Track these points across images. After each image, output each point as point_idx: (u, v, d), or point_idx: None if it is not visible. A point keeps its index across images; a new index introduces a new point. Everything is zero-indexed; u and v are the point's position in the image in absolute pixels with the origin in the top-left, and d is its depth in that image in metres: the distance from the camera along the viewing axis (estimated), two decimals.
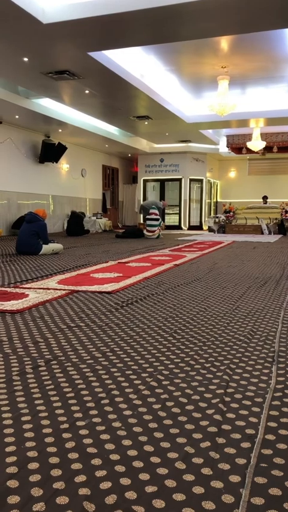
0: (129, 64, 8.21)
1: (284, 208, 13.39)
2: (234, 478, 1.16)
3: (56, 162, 12.87)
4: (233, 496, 1.08)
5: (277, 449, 1.30)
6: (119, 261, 6.00)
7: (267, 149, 14.12)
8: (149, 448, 1.30)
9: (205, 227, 16.50)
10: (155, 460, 1.24)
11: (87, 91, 9.05)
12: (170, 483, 1.13)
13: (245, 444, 1.32)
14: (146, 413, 1.53)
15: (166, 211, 16.72)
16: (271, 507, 1.04)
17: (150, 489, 1.11)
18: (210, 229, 14.46)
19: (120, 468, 1.20)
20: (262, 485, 1.13)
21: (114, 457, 1.25)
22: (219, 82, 9.12)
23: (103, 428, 1.42)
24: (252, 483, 1.14)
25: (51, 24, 5.70)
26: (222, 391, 1.71)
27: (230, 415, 1.52)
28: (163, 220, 12.32)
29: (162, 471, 1.19)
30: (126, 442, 1.33)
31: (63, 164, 13.62)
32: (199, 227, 16.95)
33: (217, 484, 1.13)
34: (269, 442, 1.34)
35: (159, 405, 1.58)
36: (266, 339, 2.42)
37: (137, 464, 1.22)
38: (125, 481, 1.14)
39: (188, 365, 2.01)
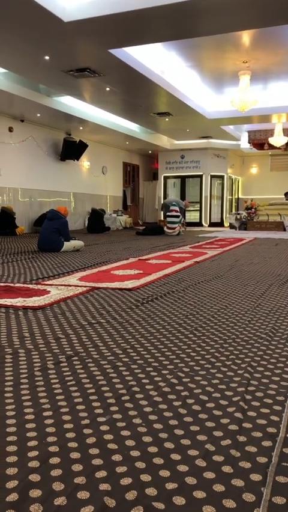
0: (149, 61, 8.19)
1: None
2: (255, 477, 1.15)
3: (77, 160, 12.95)
4: (254, 495, 1.07)
5: None
6: (140, 258, 6.00)
7: None
8: (169, 445, 1.30)
9: (226, 224, 16.37)
10: (175, 457, 1.24)
11: (107, 88, 9.07)
12: (191, 480, 1.13)
13: (266, 443, 1.31)
14: (167, 410, 1.53)
15: (187, 208, 16.65)
16: None
17: (170, 486, 1.11)
18: (231, 226, 14.35)
19: (140, 464, 1.20)
20: (284, 485, 1.11)
21: (135, 453, 1.26)
22: (240, 77, 9.03)
23: (124, 424, 1.42)
24: (274, 482, 1.13)
25: (72, 22, 5.73)
26: (243, 389, 1.70)
27: (251, 413, 1.50)
28: (184, 217, 12.27)
29: (183, 468, 1.19)
30: (147, 439, 1.33)
31: (84, 162, 13.70)
32: (220, 224, 16.84)
33: (238, 483, 1.12)
34: None
35: (180, 403, 1.58)
36: None
37: (158, 460, 1.22)
38: (145, 478, 1.14)
39: (209, 363, 2.00)
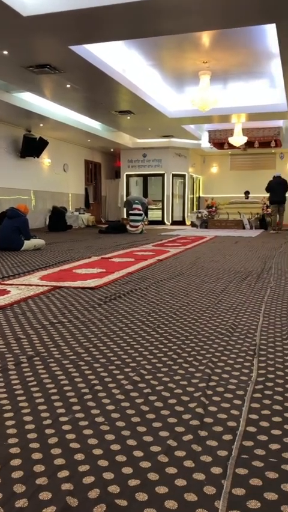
0: (111, 58, 8.16)
1: (265, 203, 13.52)
2: (216, 470, 1.17)
3: (38, 157, 12.74)
4: (214, 488, 1.10)
5: (258, 441, 1.32)
6: (102, 256, 5.98)
7: (249, 144, 14.20)
8: (132, 442, 1.31)
9: (188, 222, 16.55)
10: (137, 453, 1.25)
11: (68, 85, 8.97)
12: (153, 476, 1.14)
13: (227, 437, 1.34)
14: (129, 407, 1.54)
15: (149, 206, 16.72)
16: (252, 497, 1.06)
17: (133, 482, 1.12)
18: (193, 224, 14.52)
19: (103, 462, 1.20)
20: (243, 476, 1.14)
21: (97, 451, 1.26)
22: (200, 77, 9.14)
23: (86, 423, 1.42)
24: (234, 474, 1.15)
25: (32, 17, 5.63)
26: (205, 384, 1.73)
27: (212, 408, 1.53)
28: (146, 215, 12.33)
29: (145, 464, 1.20)
30: (109, 437, 1.34)
31: (45, 159, 13.49)
32: (182, 222, 17.00)
33: (199, 476, 1.14)
34: (250, 434, 1.36)
35: (142, 400, 1.59)
36: (248, 332, 2.45)
37: (120, 458, 1.23)
38: (108, 475, 1.15)
39: (171, 359, 2.02)
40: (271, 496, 1.07)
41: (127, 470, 1.17)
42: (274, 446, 1.29)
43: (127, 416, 1.47)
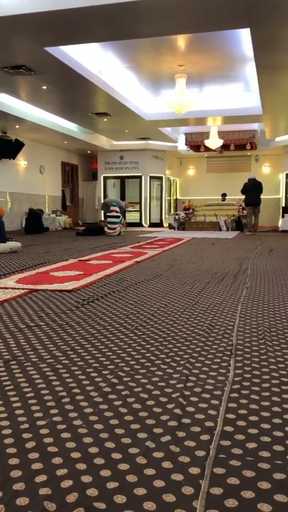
0: (87, 61, 8.15)
1: (241, 205, 13.69)
2: (194, 470, 1.18)
3: (13, 159, 12.60)
4: (192, 488, 1.10)
5: (235, 440, 1.33)
6: (80, 258, 5.96)
7: (225, 147, 14.37)
8: (110, 445, 1.30)
9: (165, 224, 16.62)
10: (116, 456, 1.25)
11: (44, 87, 8.91)
12: (132, 478, 1.14)
13: (205, 437, 1.35)
14: (107, 410, 1.53)
15: (127, 208, 16.71)
16: (229, 496, 1.07)
17: (111, 485, 1.12)
18: (170, 226, 14.59)
19: (81, 466, 1.20)
20: (221, 476, 1.15)
21: (75, 455, 1.25)
22: (176, 80, 9.20)
23: (64, 426, 1.41)
24: (212, 474, 1.16)
25: (6, 17, 5.57)
26: (182, 385, 1.74)
27: (190, 409, 1.54)
28: (124, 218, 12.33)
29: (124, 467, 1.20)
30: (88, 440, 1.33)
31: (21, 161, 13.35)
32: (160, 224, 17.06)
33: (177, 477, 1.15)
34: (227, 434, 1.37)
35: (120, 402, 1.59)
36: (224, 332, 2.48)
37: (98, 461, 1.22)
38: (86, 479, 1.14)
39: (149, 361, 2.02)
40: (248, 494, 1.08)
41: (105, 472, 1.17)
42: (251, 445, 1.30)
43: (105, 419, 1.47)
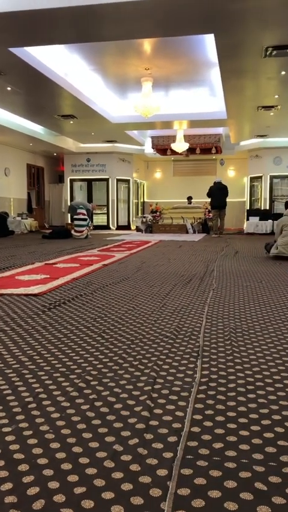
0: (52, 62, 8.09)
1: (207, 208, 13.87)
2: (162, 472, 1.18)
3: None
4: (160, 489, 1.11)
5: (202, 441, 1.35)
6: (46, 262, 5.88)
7: (191, 150, 14.54)
8: (77, 449, 1.29)
9: (133, 227, 16.65)
10: (83, 460, 1.24)
11: (9, 88, 8.78)
12: (99, 482, 1.14)
13: (172, 438, 1.36)
14: (75, 414, 1.52)
15: (94, 211, 16.63)
16: (196, 496, 1.08)
17: (79, 490, 1.11)
18: (138, 229, 14.63)
19: (48, 472, 1.18)
20: (188, 476, 1.16)
21: (42, 461, 1.23)
22: (142, 84, 9.25)
23: (30, 432, 1.39)
24: (179, 475, 1.17)
25: None
26: (150, 388, 1.74)
27: (158, 411, 1.55)
28: (91, 220, 12.27)
29: (91, 471, 1.19)
30: (54, 445, 1.32)
31: None
32: (127, 227, 17.07)
33: (145, 479, 1.15)
34: (194, 434, 1.38)
35: (88, 406, 1.58)
36: (191, 334, 2.50)
37: (66, 466, 1.21)
38: (53, 485, 1.13)
39: (117, 364, 2.02)
40: (215, 493, 1.09)
41: (73, 478, 1.16)
42: (218, 445, 1.32)
43: (72, 424, 1.45)
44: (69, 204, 14.65)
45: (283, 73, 7.81)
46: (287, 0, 5.13)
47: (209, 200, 12.72)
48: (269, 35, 6.18)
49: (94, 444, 1.32)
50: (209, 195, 12.47)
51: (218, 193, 12.22)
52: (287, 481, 1.14)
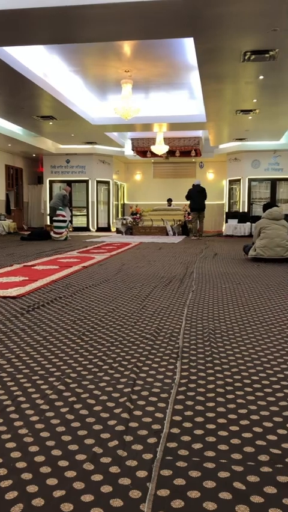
0: (31, 63, 8.02)
1: (186, 210, 13.95)
2: (141, 473, 1.19)
3: None
4: (140, 491, 1.11)
5: (182, 442, 1.35)
6: (25, 264, 5.83)
7: (171, 153, 14.61)
8: (56, 452, 1.29)
9: (113, 229, 16.63)
10: (63, 463, 1.23)
11: None
12: (79, 485, 1.13)
13: (152, 440, 1.36)
14: (54, 417, 1.51)
15: (74, 212, 16.58)
16: (176, 497, 1.09)
17: (58, 493, 1.10)
18: (118, 231, 14.61)
19: (27, 476, 1.17)
20: (167, 477, 1.17)
21: (21, 464, 1.22)
22: (123, 86, 9.26)
23: (9, 436, 1.37)
24: (159, 476, 1.17)
25: None
26: (130, 389, 1.74)
27: (137, 412, 1.55)
28: (71, 222, 12.21)
29: (70, 474, 1.18)
30: (33, 448, 1.30)
31: None
32: (107, 229, 17.04)
33: (125, 481, 1.15)
34: (174, 435, 1.39)
35: (67, 409, 1.57)
36: (171, 335, 2.51)
37: (45, 469, 1.20)
38: (32, 489, 1.12)
39: (96, 366, 2.02)
40: (194, 494, 1.10)
41: (52, 481, 1.15)
42: (197, 446, 1.33)
43: (52, 426, 1.44)
44: (48, 204, 14.55)
45: (261, 77, 7.92)
46: (264, 6, 5.22)
47: (188, 202, 12.80)
48: (247, 40, 6.27)
49: (73, 447, 1.31)
50: (187, 197, 12.54)
51: (197, 195, 12.30)
52: (265, 480, 1.15)
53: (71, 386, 1.79)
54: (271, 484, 1.14)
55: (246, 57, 6.88)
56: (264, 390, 1.75)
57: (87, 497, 1.08)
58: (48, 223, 14.40)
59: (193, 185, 12.70)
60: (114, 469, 1.20)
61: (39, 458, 1.25)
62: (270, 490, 1.11)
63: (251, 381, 1.84)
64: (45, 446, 1.32)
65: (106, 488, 1.12)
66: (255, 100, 9.48)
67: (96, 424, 1.46)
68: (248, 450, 1.31)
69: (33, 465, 1.22)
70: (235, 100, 9.50)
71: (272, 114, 10.64)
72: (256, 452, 1.29)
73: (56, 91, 9.39)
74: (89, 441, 1.35)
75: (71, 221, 12.01)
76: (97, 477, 1.17)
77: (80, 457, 1.26)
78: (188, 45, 7.26)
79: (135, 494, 1.10)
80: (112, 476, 1.18)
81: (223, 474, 1.18)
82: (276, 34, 6.03)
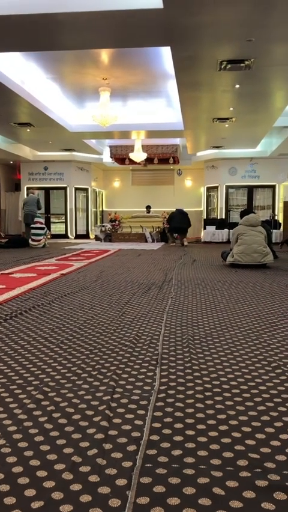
0: (8, 69, 7.98)
1: (165, 217, 14.02)
2: (121, 481, 1.18)
3: None
4: (119, 499, 1.10)
5: (161, 448, 1.35)
6: (2, 272, 5.76)
7: (149, 160, 14.69)
8: (35, 463, 1.27)
9: (92, 236, 16.58)
10: (41, 473, 1.21)
11: None
12: (57, 495, 1.12)
13: (131, 447, 1.36)
14: (32, 427, 1.49)
15: (52, 220, 16.48)
16: (155, 504, 1.08)
17: (36, 505, 1.08)
18: (97, 238, 14.58)
19: (4, 487, 1.15)
20: (147, 485, 1.16)
21: None
22: (100, 93, 9.29)
23: None
24: (138, 484, 1.17)
25: None
26: (109, 397, 1.73)
27: (117, 420, 1.54)
28: (49, 229, 12.13)
29: (49, 484, 1.17)
30: (11, 459, 1.28)
31: None
32: (86, 236, 16.98)
33: (104, 490, 1.14)
34: (153, 442, 1.39)
35: (46, 418, 1.56)
36: (150, 342, 2.51)
37: (23, 480, 1.18)
38: (9, 500, 1.10)
39: (75, 374, 2.00)
40: (174, 500, 1.10)
41: (30, 492, 1.13)
42: (176, 452, 1.33)
43: (30, 436, 1.42)
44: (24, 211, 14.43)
45: (237, 86, 8.05)
46: (239, 16, 5.32)
47: (168, 209, 12.78)
48: (223, 49, 6.37)
49: (52, 457, 1.30)
50: (169, 220, 12.30)
51: (179, 216, 12.03)
52: (244, 485, 1.16)
53: (50, 394, 1.77)
54: (250, 489, 1.14)
55: (222, 67, 6.99)
56: (243, 395, 1.76)
57: (66, 508, 1.07)
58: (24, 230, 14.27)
59: (176, 209, 12.52)
60: (93, 478, 1.19)
61: (17, 469, 1.23)
62: (249, 494, 1.12)
63: (230, 387, 1.85)
64: (23, 457, 1.30)
65: (85, 498, 1.11)
66: (231, 108, 9.62)
67: (75, 433, 1.45)
68: (227, 455, 1.31)
69: (11, 476, 1.20)
70: (212, 108, 9.63)
71: (248, 122, 10.82)
72: (235, 457, 1.30)
73: (34, 98, 9.35)
74: (68, 450, 1.34)
75: (38, 206, 11.85)
76: (76, 486, 1.16)
77: (59, 466, 1.25)
78: (165, 54, 7.34)
79: (114, 502, 1.09)
80: (91, 485, 1.16)
81: (202, 480, 1.18)
82: (251, 44, 6.16)
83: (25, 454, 1.32)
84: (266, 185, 16.09)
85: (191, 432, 1.45)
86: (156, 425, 1.51)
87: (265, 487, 1.15)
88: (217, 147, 14.62)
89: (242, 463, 1.27)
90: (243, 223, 6.68)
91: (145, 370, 2.06)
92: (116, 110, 9.73)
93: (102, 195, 18.93)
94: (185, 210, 12.50)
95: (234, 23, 5.50)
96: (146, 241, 13.65)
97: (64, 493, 1.13)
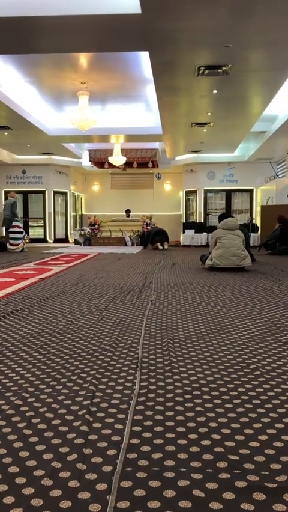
0: None
1: (145, 221, 14.05)
2: (101, 486, 1.17)
3: None
4: (100, 504, 1.10)
5: (141, 452, 1.35)
6: None
7: (128, 164, 14.71)
8: (13, 469, 1.25)
9: (71, 239, 16.49)
10: (20, 480, 1.20)
11: None
12: (37, 502, 1.11)
13: (111, 452, 1.35)
14: (11, 433, 1.47)
15: (31, 224, 16.34)
16: (136, 508, 1.08)
17: None
18: (76, 242, 14.51)
19: None
20: (127, 489, 1.16)
21: None
22: (79, 97, 9.28)
23: None
24: (118, 488, 1.16)
25: None
26: (89, 402, 1.72)
27: (97, 425, 1.54)
28: (27, 233, 12.02)
29: (28, 491, 1.15)
30: None
31: None
32: (65, 240, 16.88)
33: (84, 495, 1.14)
34: (133, 446, 1.39)
35: (25, 424, 1.54)
36: (130, 346, 2.51)
37: (1, 488, 1.17)
38: None
39: (54, 380, 1.98)
40: (154, 504, 1.10)
41: (9, 499, 1.12)
42: (157, 456, 1.33)
43: (8, 442, 1.40)
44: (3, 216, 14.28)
45: (215, 91, 8.14)
46: (217, 22, 5.38)
47: (147, 213, 12.88)
48: (201, 54, 6.44)
49: (32, 463, 1.29)
50: (147, 234, 12.76)
51: (158, 230, 12.53)
52: (223, 487, 1.17)
53: (29, 400, 1.75)
54: (229, 490, 1.15)
55: (200, 72, 7.06)
56: (222, 397, 1.78)
57: None
58: (3, 234, 14.10)
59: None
60: (73, 483, 1.19)
61: None
62: (228, 495, 1.13)
63: (209, 389, 1.86)
64: (1, 464, 1.28)
65: (65, 504, 1.10)
66: (209, 113, 9.72)
67: (55, 438, 1.44)
68: (207, 457, 1.32)
69: None
70: (190, 113, 9.71)
71: (226, 127, 10.94)
72: (215, 459, 1.31)
73: (11, 101, 9.28)
74: (47, 456, 1.33)
75: (15, 212, 11.75)
76: (56, 492, 1.15)
77: (39, 472, 1.24)
78: (143, 59, 7.37)
79: (95, 507, 1.09)
80: (71, 490, 1.16)
81: (183, 482, 1.19)
82: (229, 50, 6.24)
83: (4, 460, 1.30)
84: (243, 190, 16.29)
85: (171, 435, 1.46)
86: (137, 428, 1.51)
87: (244, 487, 1.16)
88: (196, 151, 14.74)
89: (221, 464, 1.28)
90: (221, 227, 6.74)
91: (125, 374, 2.06)
92: (94, 114, 9.72)
93: (81, 199, 18.87)
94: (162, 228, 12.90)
95: (211, 29, 5.57)
96: (126, 245, 13.65)
97: (44, 500, 1.12)
